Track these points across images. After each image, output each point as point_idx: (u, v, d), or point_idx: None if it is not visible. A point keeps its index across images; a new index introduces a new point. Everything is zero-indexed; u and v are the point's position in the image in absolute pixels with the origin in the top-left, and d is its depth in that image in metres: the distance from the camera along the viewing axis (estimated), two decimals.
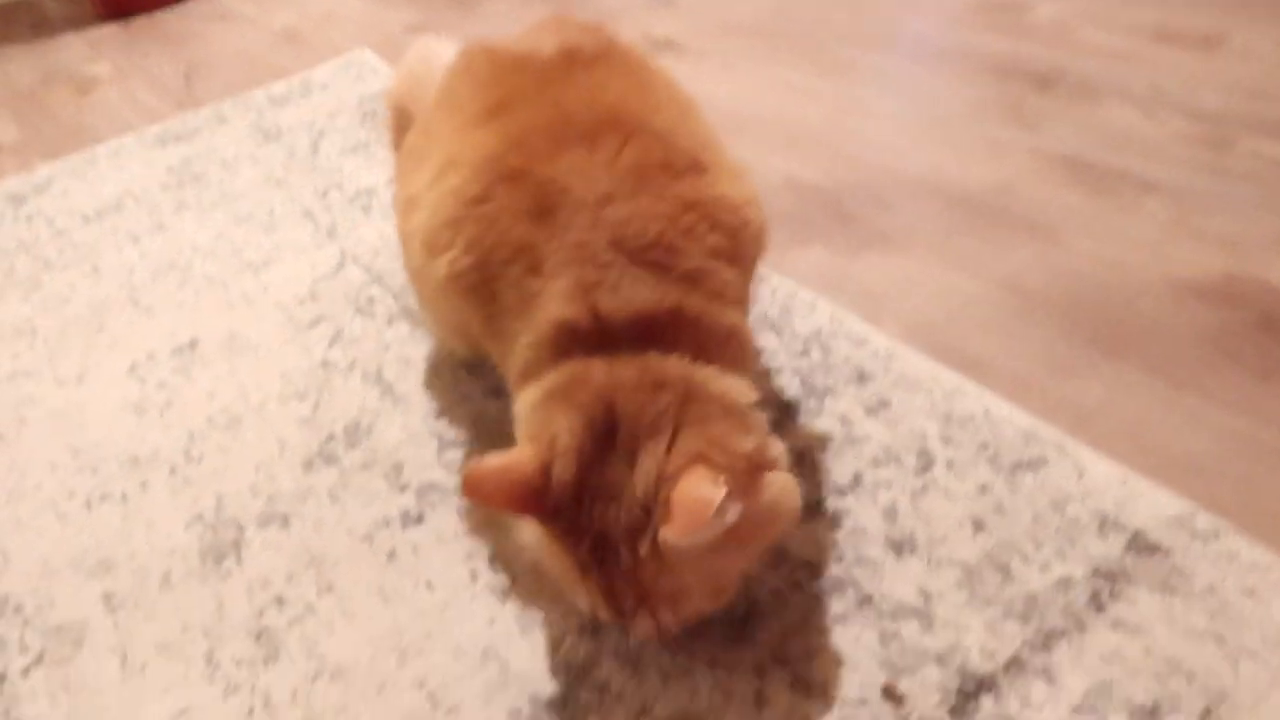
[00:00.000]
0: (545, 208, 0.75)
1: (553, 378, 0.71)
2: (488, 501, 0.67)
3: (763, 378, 0.99)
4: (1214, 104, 1.36)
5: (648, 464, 0.65)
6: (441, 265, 0.80)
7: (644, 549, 0.64)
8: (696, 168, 0.79)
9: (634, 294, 0.72)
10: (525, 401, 0.73)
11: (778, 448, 0.70)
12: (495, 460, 0.66)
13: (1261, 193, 1.17)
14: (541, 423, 0.69)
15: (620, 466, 0.65)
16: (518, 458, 0.66)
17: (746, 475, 0.64)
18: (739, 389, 0.72)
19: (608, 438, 0.66)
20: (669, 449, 0.65)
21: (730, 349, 0.74)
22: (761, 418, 0.72)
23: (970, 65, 1.58)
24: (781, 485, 0.68)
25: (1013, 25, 1.69)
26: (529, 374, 0.74)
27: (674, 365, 0.70)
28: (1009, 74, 1.53)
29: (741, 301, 0.80)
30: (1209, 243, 1.11)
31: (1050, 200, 1.22)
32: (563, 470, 0.66)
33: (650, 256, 0.73)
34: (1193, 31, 1.56)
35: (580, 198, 0.75)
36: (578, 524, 0.65)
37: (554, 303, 0.73)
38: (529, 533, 0.69)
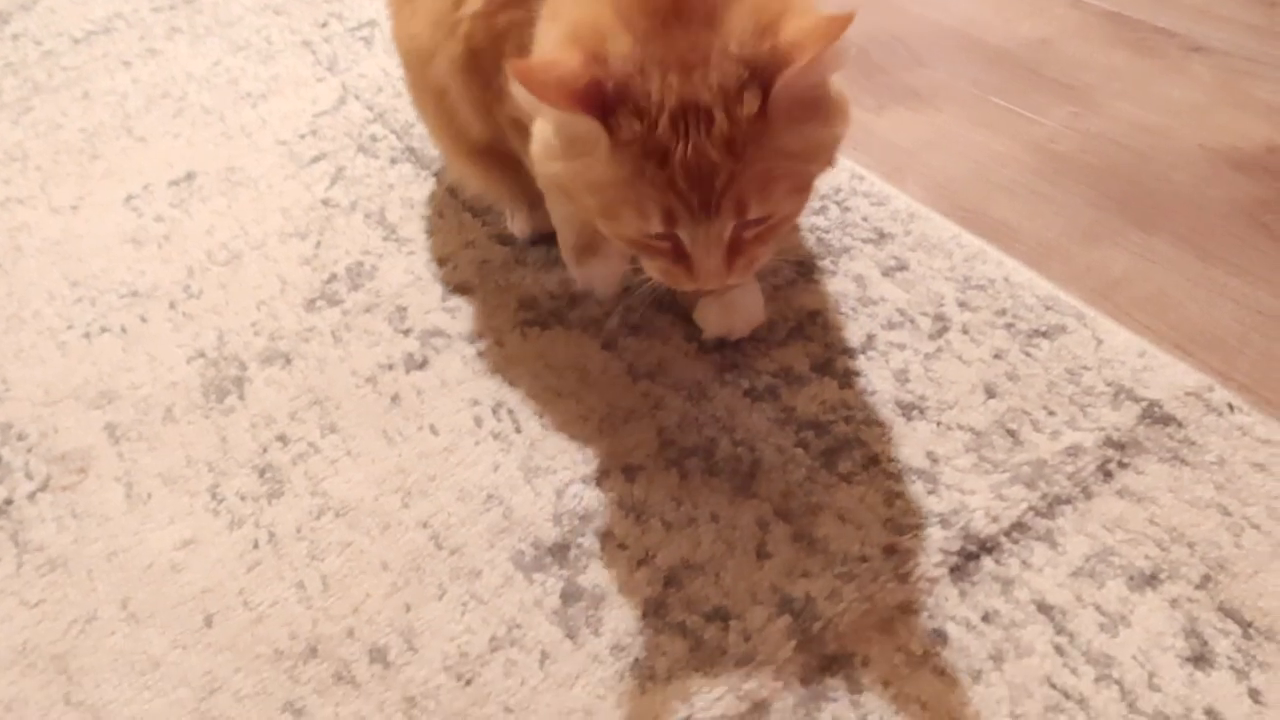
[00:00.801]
0: None
1: None
2: (544, 97, 0.59)
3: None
4: None
5: (739, 20, 0.60)
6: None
7: (748, 105, 0.59)
8: None
9: None
10: (562, 9, 0.65)
11: None
12: (533, 62, 0.60)
13: None
14: (582, 14, 0.62)
15: (696, 32, 0.60)
16: (556, 56, 0.60)
17: (834, 23, 0.60)
18: None
19: (671, 10, 0.61)
20: (756, 5, 0.61)
21: None
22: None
23: None
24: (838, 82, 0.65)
25: None
26: (556, 11, 0.66)
27: None
28: None
29: None
30: (1253, 111, 1.06)
31: (1091, 59, 1.16)
32: (618, 44, 0.60)
33: None
34: None
35: None
36: (649, 101, 0.59)
37: None
38: (566, 172, 0.64)
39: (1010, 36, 1.21)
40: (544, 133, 0.65)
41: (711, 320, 0.85)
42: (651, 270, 0.69)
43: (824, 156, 0.67)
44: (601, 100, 0.59)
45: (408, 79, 0.93)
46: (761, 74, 0.59)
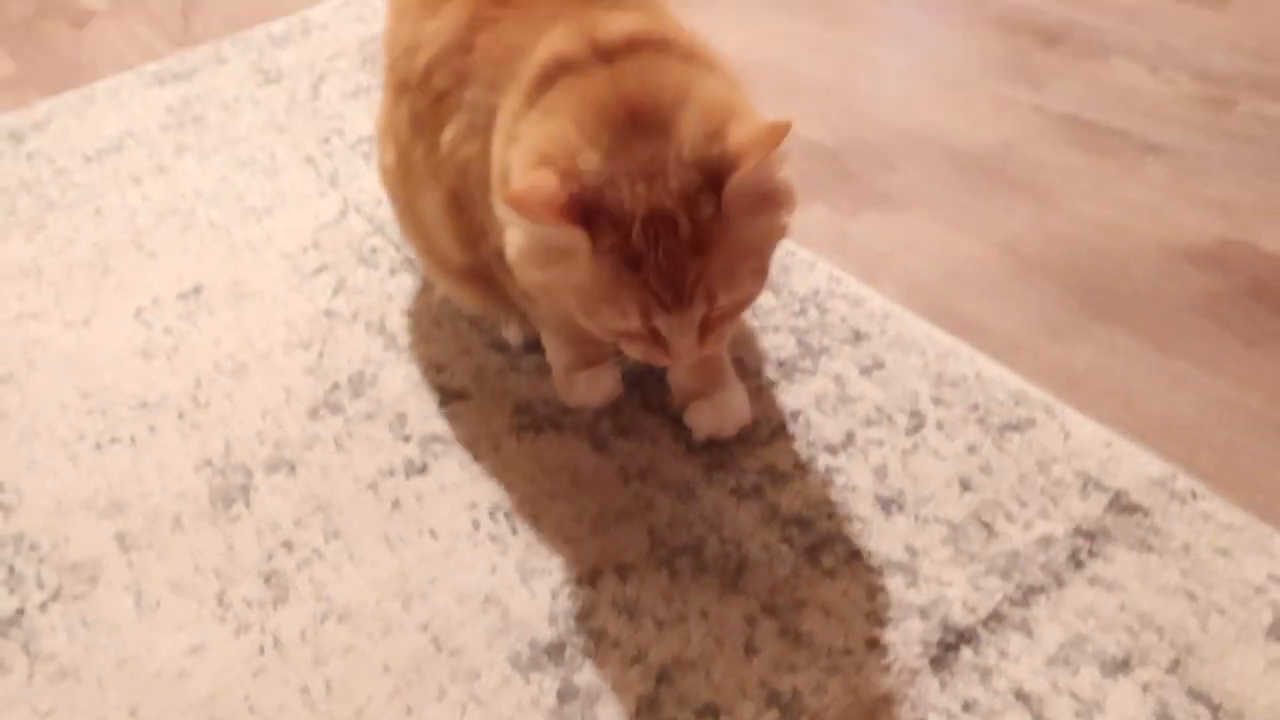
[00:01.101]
0: (530, 20, 0.75)
1: (549, 97, 0.70)
2: (536, 218, 0.64)
3: (759, 336, 1.01)
4: (1219, 63, 1.36)
5: (689, 128, 0.66)
6: (422, 101, 0.80)
7: (705, 208, 0.64)
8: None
9: (627, 21, 0.72)
10: (521, 132, 0.71)
11: None
12: (517, 187, 0.65)
13: (1260, 156, 1.18)
14: (545, 132, 0.68)
15: (653, 141, 0.65)
16: (534, 178, 0.65)
17: (774, 130, 0.65)
18: (731, 81, 0.73)
19: (627, 123, 0.66)
20: (699, 114, 0.66)
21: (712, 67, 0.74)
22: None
23: (978, 18, 1.57)
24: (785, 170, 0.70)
25: None
26: (519, 114, 0.72)
27: (668, 59, 0.71)
28: (1016, 28, 1.52)
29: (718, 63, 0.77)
30: (1205, 207, 1.12)
31: (1051, 161, 1.23)
32: (588, 161, 0.65)
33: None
34: None
35: (560, 2, 0.75)
36: (622, 211, 0.65)
37: (546, 44, 0.72)
38: (550, 279, 0.69)
39: (975, 141, 1.29)
40: (518, 241, 0.70)
41: (702, 422, 0.89)
42: (631, 352, 0.74)
43: (777, 238, 0.72)
44: (584, 213, 0.65)
45: (393, 207, 1.00)
46: (714, 178, 0.65)
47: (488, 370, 1.02)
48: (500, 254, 0.77)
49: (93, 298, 1.23)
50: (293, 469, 0.95)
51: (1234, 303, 1.00)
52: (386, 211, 1.28)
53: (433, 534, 0.87)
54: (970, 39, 1.52)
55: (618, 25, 0.72)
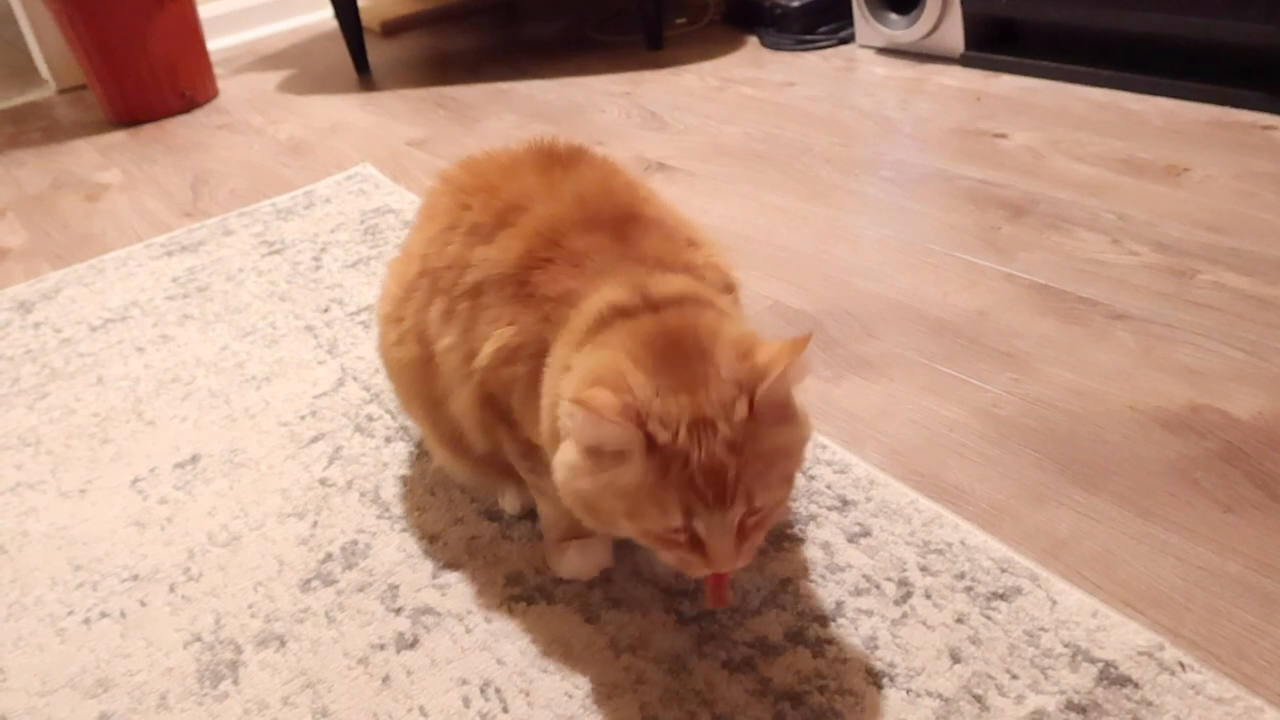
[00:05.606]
0: (582, 265, 0.85)
1: (602, 336, 0.79)
2: (600, 418, 0.72)
3: None
4: (1177, 235, 1.44)
5: (724, 353, 0.76)
6: (464, 308, 0.89)
7: (740, 413, 0.74)
8: (693, 242, 0.92)
9: (677, 282, 0.84)
10: (575, 363, 0.79)
11: None
12: (585, 396, 0.73)
13: (1223, 324, 1.23)
14: (597, 360, 0.77)
15: (694, 365, 0.75)
16: (598, 391, 0.73)
17: (795, 343, 0.76)
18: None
19: (670, 352, 0.76)
20: (731, 342, 0.77)
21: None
22: None
23: (948, 192, 1.67)
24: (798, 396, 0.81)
25: (988, 153, 1.78)
26: (574, 349, 0.81)
27: (710, 311, 0.82)
28: (985, 202, 1.61)
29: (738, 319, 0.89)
30: (1173, 373, 1.16)
31: (1025, 328, 1.28)
32: (638, 379, 0.74)
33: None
34: (1158, 162, 1.65)
35: (617, 256, 0.86)
36: (669, 416, 0.73)
37: (602, 294, 0.82)
38: (602, 484, 0.76)
39: (949, 308, 1.34)
40: (570, 458, 0.77)
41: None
42: (668, 560, 0.80)
43: (798, 454, 0.81)
44: (638, 416, 0.73)
45: (396, 388, 1.04)
46: (747, 388, 0.75)
47: (481, 539, 1.03)
48: (513, 437, 0.87)
49: (90, 467, 1.24)
50: (283, 644, 0.95)
51: (1208, 468, 1.02)
52: (383, 380, 1.32)
53: (423, 712, 0.86)
54: (941, 212, 1.60)
55: (669, 285, 0.83)
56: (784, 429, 0.78)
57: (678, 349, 0.76)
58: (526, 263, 0.87)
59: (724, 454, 0.73)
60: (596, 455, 0.75)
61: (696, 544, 0.76)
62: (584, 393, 0.73)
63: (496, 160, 0.98)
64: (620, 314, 0.80)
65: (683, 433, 0.73)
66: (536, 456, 0.89)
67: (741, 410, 0.74)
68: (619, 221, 0.89)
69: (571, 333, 0.82)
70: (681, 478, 0.73)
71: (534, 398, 0.84)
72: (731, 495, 0.74)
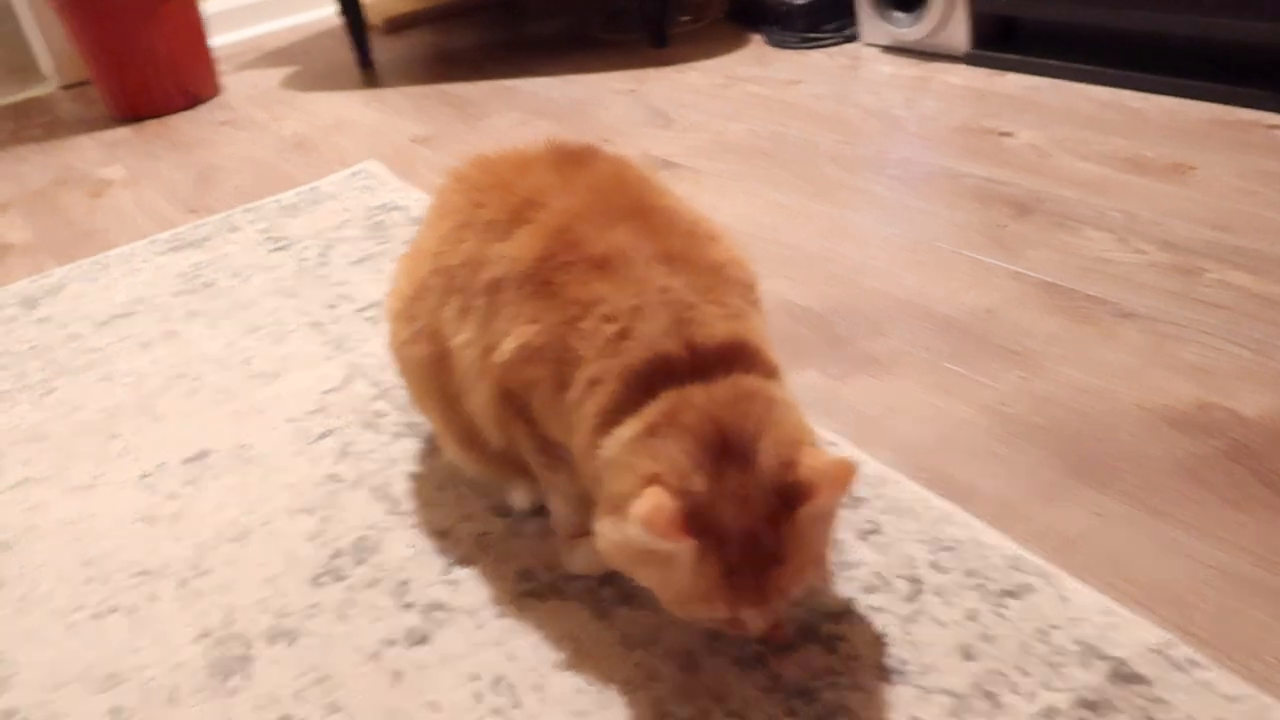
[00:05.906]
0: (609, 267, 0.84)
1: (653, 409, 0.79)
2: (662, 536, 0.73)
3: None
4: (1184, 233, 1.44)
5: (766, 460, 0.76)
6: (479, 304, 0.88)
7: (784, 527, 0.75)
8: (713, 235, 0.92)
9: (716, 328, 0.82)
10: (621, 437, 0.79)
11: None
12: (644, 506, 0.73)
13: (1230, 322, 1.23)
14: (654, 452, 0.77)
15: (741, 470, 0.76)
16: (657, 499, 0.73)
17: (841, 473, 0.76)
18: (792, 397, 0.84)
19: (720, 448, 0.76)
20: (776, 443, 0.77)
21: (776, 374, 0.85)
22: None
23: (954, 190, 1.67)
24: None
25: (993, 151, 1.78)
26: (619, 410, 0.80)
27: (753, 381, 0.81)
28: (991, 200, 1.61)
29: (766, 340, 0.89)
30: (1181, 371, 1.16)
31: (1032, 326, 1.28)
32: (696, 484, 0.75)
33: (711, 298, 0.84)
34: (1163, 160, 1.66)
35: (642, 256, 0.85)
36: (722, 528, 0.75)
37: (646, 333, 0.81)
38: (657, 573, 0.78)
39: (957, 306, 1.34)
40: (616, 539, 0.78)
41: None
42: (709, 623, 0.83)
43: (831, 542, 0.84)
44: (696, 528, 0.74)
45: (408, 385, 1.04)
46: (790, 503, 0.76)
47: (491, 535, 1.03)
48: (529, 434, 0.88)
49: (98, 463, 1.24)
50: (293, 639, 0.95)
51: (1216, 466, 1.02)
52: (391, 376, 1.32)
53: (434, 707, 0.86)
54: (947, 210, 1.60)
55: (713, 330, 0.82)
56: (821, 531, 0.80)
57: (727, 445, 0.76)
58: (548, 260, 0.86)
59: (767, 563, 0.76)
60: (646, 554, 0.76)
61: (737, 624, 0.80)
62: (648, 508, 0.72)
63: (508, 158, 0.98)
64: (666, 375, 0.79)
65: (734, 546, 0.75)
66: (552, 452, 0.89)
67: (786, 526, 0.76)
68: (638, 215, 0.89)
69: (609, 375, 0.80)
70: (727, 584, 0.76)
71: (557, 401, 0.84)
72: (772, 594, 0.77)
